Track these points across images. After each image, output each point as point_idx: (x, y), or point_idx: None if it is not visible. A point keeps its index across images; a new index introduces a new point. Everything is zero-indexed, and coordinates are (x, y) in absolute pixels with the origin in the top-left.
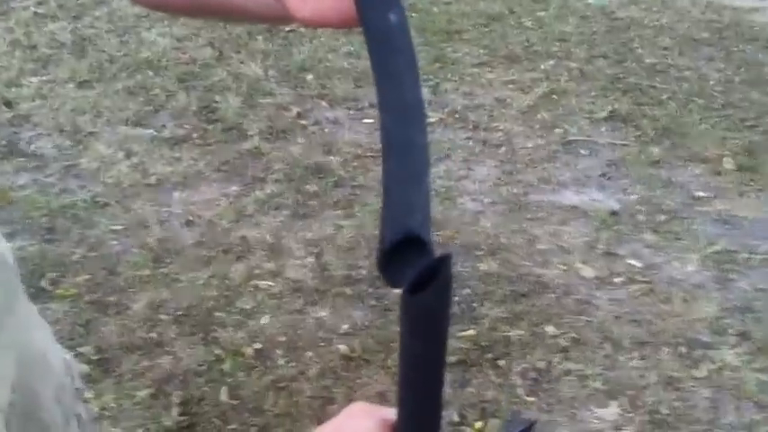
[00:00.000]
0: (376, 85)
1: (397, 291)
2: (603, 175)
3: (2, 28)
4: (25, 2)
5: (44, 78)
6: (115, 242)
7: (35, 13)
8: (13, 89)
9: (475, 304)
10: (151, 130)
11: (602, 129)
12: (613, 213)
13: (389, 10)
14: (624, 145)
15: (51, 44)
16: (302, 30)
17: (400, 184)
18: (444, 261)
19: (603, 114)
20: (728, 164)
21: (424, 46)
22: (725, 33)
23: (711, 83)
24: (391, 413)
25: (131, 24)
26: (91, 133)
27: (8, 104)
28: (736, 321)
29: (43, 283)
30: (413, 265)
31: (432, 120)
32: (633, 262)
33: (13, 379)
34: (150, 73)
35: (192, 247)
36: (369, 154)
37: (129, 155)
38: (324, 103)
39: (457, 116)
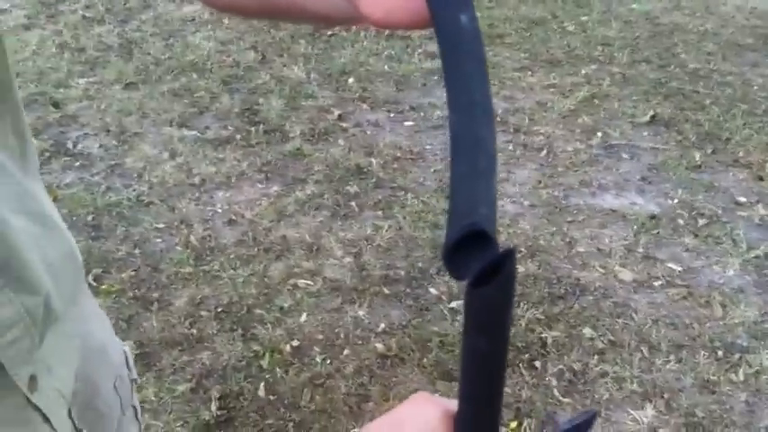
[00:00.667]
0: (445, 85)
1: (435, 292)
2: (644, 179)
3: (51, 31)
4: (74, 6)
5: (91, 80)
6: (159, 240)
7: (83, 16)
8: (62, 90)
9: None
10: (195, 132)
11: (644, 133)
12: (653, 217)
13: (461, 11)
14: (666, 149)
15: (99, 47)
16: (344, 33)
17: (466, 179)
18: (509, 255)
19: (645, 119)
20: None
21: None
22: None
23: (755, 88)
24: (453, 404)
25: (177, 28)
26: (136, 134)
27: (56, 105)
28: None
29: (88, 279)
30: (477, 259)
31: None
32: (672, 265)
33: (77, 368)
34: (195, 75)
35: (233, 245)
36: (409, 156)
37: (173, 155)
38: (365, 106)
39: (498, 119)
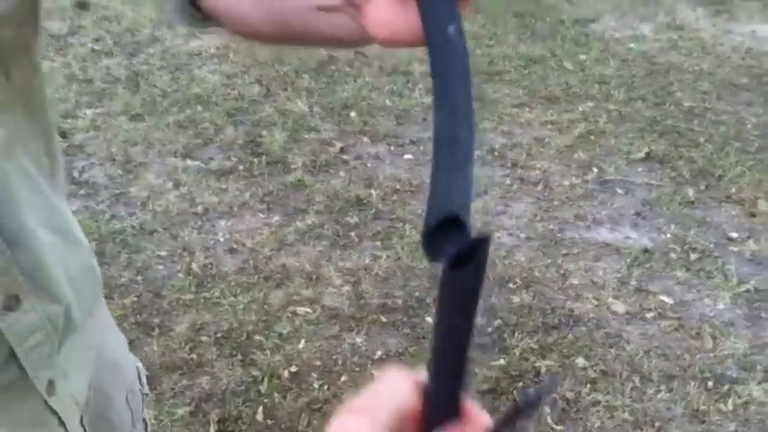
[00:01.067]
0: (432, 88)
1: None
2: (638, 213)
3: (60, 63)
4: (83, 39)
5: (98, 111)
6: (161, 267)
7: (92, 49)
8: (69, 120)
9: (506, 335)
10: (199, 162)
11: (639, 169)
12: (646, 251)
13: (449, 23)
14: (660, 185)
15: (106, 79)
16: (347, 69)
17: (444, 171)
18: (482, 241)
19: (640, 155)
20: (763, 206)
21: None
22: (764, 79)
23: (749, 126)
24: (422, 376)
25: (183, 62)
26: (141, 164)
27: (63, 135)
28: (766, 358)
29: None
30: (452, 244)
31: None
32: (664, 298)
33: (90, 378)
34: (200, 108)
35: (234, 273)
36: (408, 188)
37: (177, 185)
38: (366, 139)
39: (495, 154)
